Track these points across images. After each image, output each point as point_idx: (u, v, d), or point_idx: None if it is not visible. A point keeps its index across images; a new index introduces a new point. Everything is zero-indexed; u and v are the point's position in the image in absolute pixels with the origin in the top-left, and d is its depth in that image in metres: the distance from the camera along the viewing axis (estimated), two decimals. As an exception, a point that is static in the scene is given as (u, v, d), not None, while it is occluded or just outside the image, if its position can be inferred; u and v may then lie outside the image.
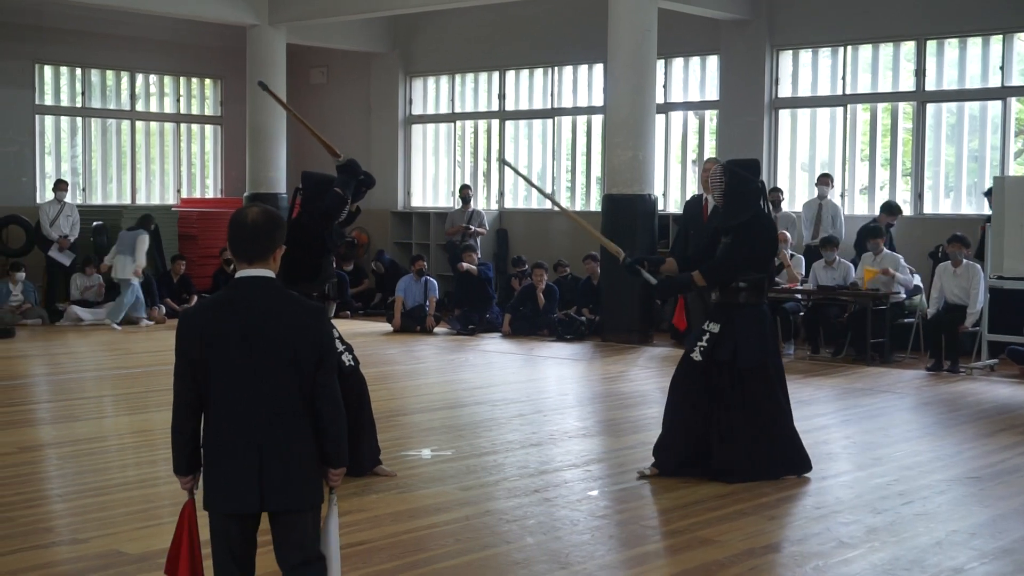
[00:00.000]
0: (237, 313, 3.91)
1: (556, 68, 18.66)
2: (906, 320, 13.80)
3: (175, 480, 4.04)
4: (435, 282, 16.70)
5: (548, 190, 18.68)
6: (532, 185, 9.94)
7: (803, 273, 14.35)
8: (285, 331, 3.92)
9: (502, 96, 19.35)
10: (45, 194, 18.62)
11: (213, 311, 3.96)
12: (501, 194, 19.41)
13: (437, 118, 20.37)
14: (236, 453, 3.89)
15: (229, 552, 3.96)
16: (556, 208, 8.96)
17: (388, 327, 16.21)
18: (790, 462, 7.59)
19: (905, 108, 15.55)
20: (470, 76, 19.85)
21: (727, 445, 7.42)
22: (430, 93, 20.49)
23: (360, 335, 15.61)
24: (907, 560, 5.87)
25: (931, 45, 15.21)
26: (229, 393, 3.90)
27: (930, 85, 15.24)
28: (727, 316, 7.49)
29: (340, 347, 7.28)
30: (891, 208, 14.56)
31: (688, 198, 13.87)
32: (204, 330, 3.91)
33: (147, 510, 6.70)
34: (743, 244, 7.47)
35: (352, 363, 7.37)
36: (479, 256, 16.81)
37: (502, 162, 13.82)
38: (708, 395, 7.46)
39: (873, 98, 15.76)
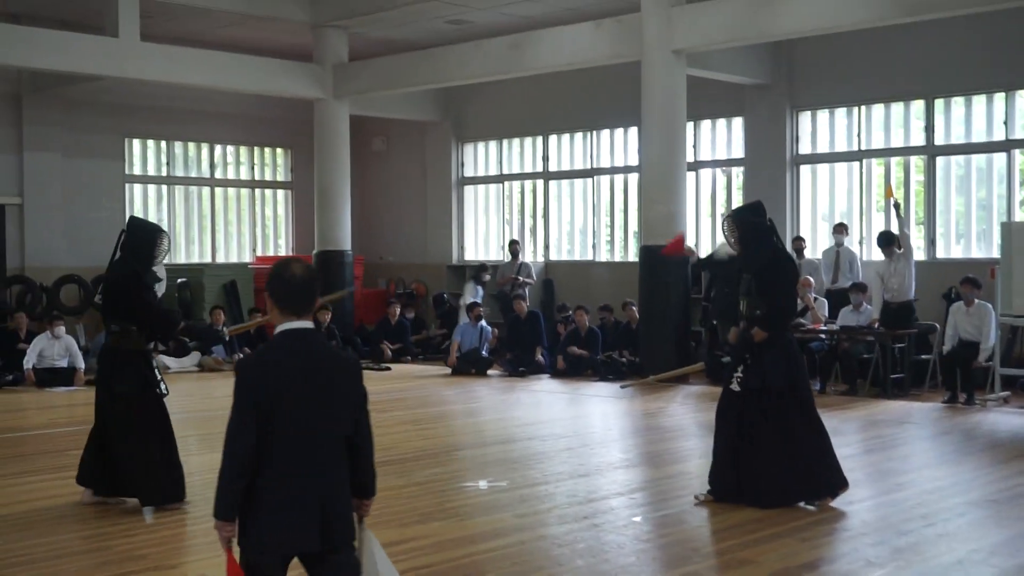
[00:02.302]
0: (297, 363, 3.74)
1: (594, 132, 18.75)
2: (923, 357, 13.65)
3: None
4: (490, 328, 16.76)
5: (590, 243, 18.79)
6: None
7: (826, 315, 14.24)
8: (339, 379, 3.80)
9: (546, 158, 19.46)
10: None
11: (274, 360, 3.76)
12: (547, 247, 19.46)
13: (487, 179, 20.51)
14: (299, 496, 3.71)
15: None
16: None
17: (446, 370, 16.24)
18: (827, 484, 7.42)
19: (917, 161, 15.47)
20: (516, 140, 19.99)
21: (760, 473, 7.34)
22: (480, 156, 20.65)
23: (420, 377, 15.70)
24: (931, 577, 5.80)
25: (939, 103, 15.14)
26: (292, 440, 3.71)
27: (939, 140, 15.16)
28: (756, 345, 7.44)
29: (158, 376, 7.59)
30: (887, 239, 13.75)
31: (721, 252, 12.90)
32: (268, 379, 3.72)
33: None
34: (778, 284, 7.45)
35: (166, 391, 7.63)
36: (527, 304, 16.83)
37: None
38: (745, 424, 7.40)
39: (887, 153, 15.70)
